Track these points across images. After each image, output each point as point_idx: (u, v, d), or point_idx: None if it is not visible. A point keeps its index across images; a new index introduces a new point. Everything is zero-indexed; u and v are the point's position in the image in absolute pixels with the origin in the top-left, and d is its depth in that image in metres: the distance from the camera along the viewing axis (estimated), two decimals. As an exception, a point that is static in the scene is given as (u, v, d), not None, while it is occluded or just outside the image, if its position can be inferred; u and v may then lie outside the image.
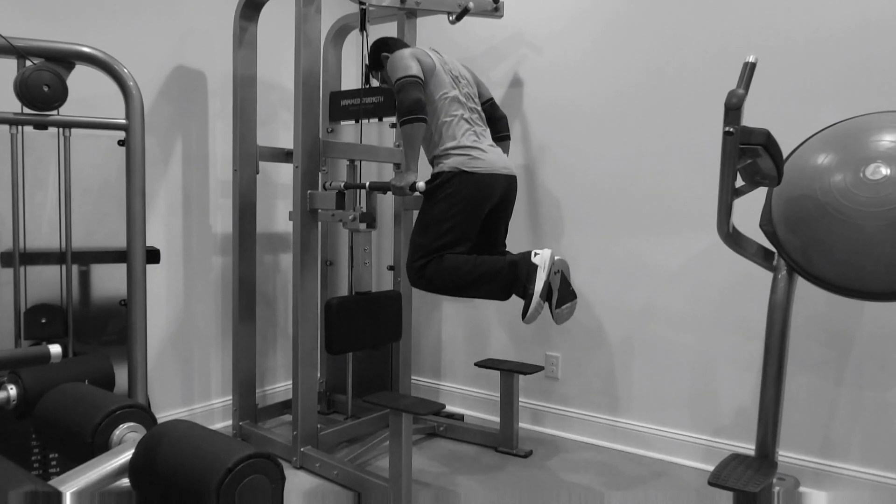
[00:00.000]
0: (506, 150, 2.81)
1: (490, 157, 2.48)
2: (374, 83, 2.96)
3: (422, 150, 2.56)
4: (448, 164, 2.45)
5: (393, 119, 3.16)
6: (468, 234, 2.45)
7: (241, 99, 2.94)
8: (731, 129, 1.74)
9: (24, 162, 2.25)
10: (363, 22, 2.82)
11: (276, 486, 1.00)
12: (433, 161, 2.54)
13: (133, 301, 2.35)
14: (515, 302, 3.24)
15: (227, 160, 3.16)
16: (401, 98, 2.39)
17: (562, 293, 2.34)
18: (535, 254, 2.32)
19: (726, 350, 2.71)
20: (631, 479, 2.67)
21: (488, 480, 2.63)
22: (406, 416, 2.31)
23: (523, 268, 2.32)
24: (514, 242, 3.20)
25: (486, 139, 2.58)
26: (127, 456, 1.09)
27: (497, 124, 2.79)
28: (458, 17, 2.96)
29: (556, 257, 2.33)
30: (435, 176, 2.48)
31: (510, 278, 2.34)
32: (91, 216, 2.63)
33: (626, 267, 2.95)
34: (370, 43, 2.79)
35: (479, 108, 2.65)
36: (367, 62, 2.75)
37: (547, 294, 2.31)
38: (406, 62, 2.45)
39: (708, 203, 2.73)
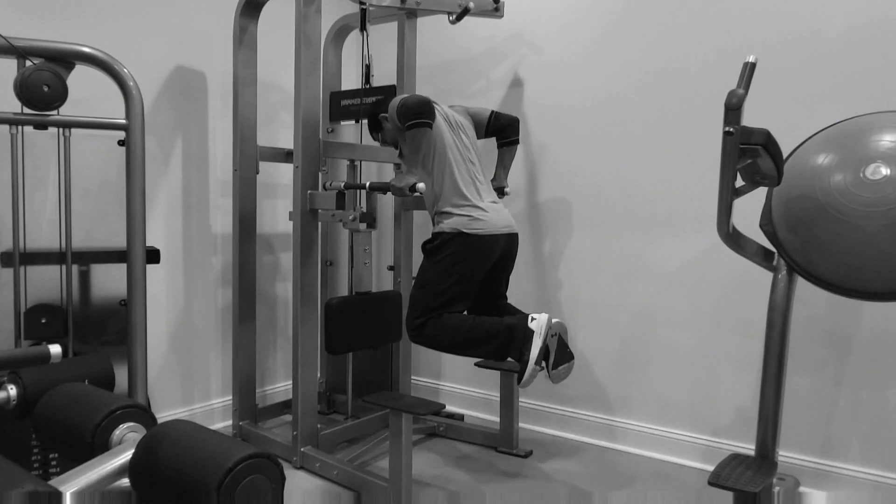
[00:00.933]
0: (513, 155, 2.80)
1: (491, 218, 2.44)
2: (374, 83, 2.96)
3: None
4: (448, 224, 2.42)
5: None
6: (468, 292, 2.45)
7: (241, 99, 2.94)
8: (731, 129, 1.74)
9: (24, 162, 2.25)
10: (363, 22, 2.82)
11: (276, 486, 1.00)
12: (434, 218, 2.52)
13: (133, 301, 2.35)
14: (515, 302, 3.24)
15: (227, 160, 3.16)
16: (405, 101, 2.33)
17: (559, 355, 2.31)
18: (532, 318, 2.29)
19: (726, 350, 2.71)
20: (631, 479, 2.67)
21: (488, 480, 2.63)
22: (406, 416, 2.31)
23: (519, 333, 2.29)
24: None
25: (489, 195, 2.55)
26: (127, 456, 1.09)
27: (508, 129, 2.77)
28: (459, 17, 2.96)
29: (553, 320, 2.30)
30: (435, 236, 2.47)
31: (507, 343, 2.31)
32: (91, 216, 2.63)
33: (626, 267, 2.95)
34: (369, 46, 2.78)
35: (479, 158, 2.60)
36: (368, 126, 2.72)
37: (544, 356, 2.28)
38: (412, 95, 2.43)
39: (708, 203, 2.73)
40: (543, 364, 2.29)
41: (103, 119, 2.28)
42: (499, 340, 2.32)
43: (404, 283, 3.14)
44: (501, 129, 2.76)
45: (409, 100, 2.35)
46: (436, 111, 2.46)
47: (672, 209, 2.82)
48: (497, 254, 2.47)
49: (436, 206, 2.50)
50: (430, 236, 2.50)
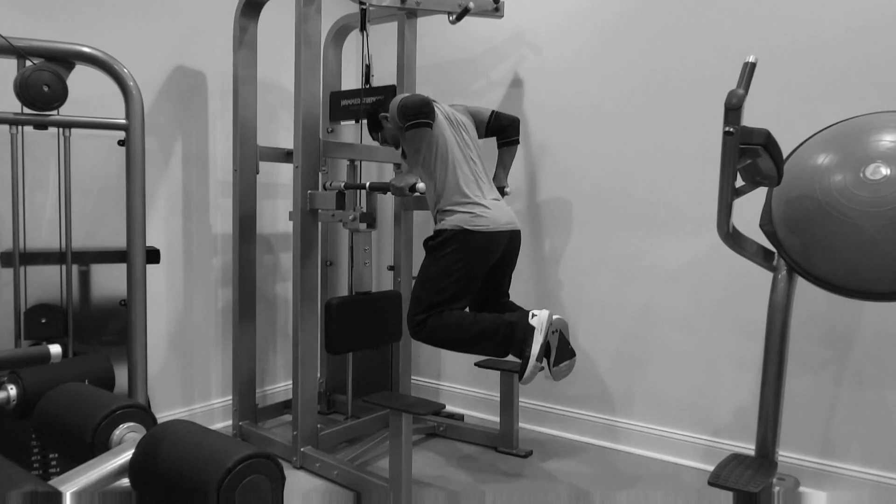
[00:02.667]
0: (513, 154, 2.80)
1: (494, 215, 2.44)
2: (374, 83, 2.96)
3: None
4: (450, 221, 2.42)
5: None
6: (469, 289, 2.44)
7: (241, 99, 2.94)
8: (731, 129, 1.74)
9: (24, 162, 2.25)
10: (363, 22, 2.82)
11: (276, 486, 1.00)
12: (436, 216, 2.51)
13: (133, 301, 2.35)
14: (515, 302, 3.24)
15: (227, 160, 3.16)
16: (405, 101, 2.33)
17: (560, 352, 2.31)
18: (533, 315, 2.29)
19: (726, 350, 2.71)
20: (631, 479, 2.67)
21: (488, 480, 2.63)
22: (406, 416, 2.31)
23: (520, 329, 2.28)
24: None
25: (491, 192, 2.55)
26: (127, 456, 1.09)
27: (508, 129, 2.76)
28: (459, 17, 2.96)
29: (554, 317, 2.29)
30: (437, 233, 2.46)
31: (508, 339, 2.31)
32: (91, 216, 2.63)
33: (626, 267, 2.95)
34: (369, 46, 2.78)
35: (480, 157, 2.60)
36: (368, 125, 2.72)
37: (545, 352, 2.28)
38: (413, 94, 2.43)
39: (708, 203, 2.73)
40: (545, 361, 2.29)
41: (103, 119, 2.28)
42: (499, 337, 2.32)
43: (404, 283, 3.14)
44: (502, 129, 2.76)
45: (409, 100, 2.34)
46: (436, 110, 2.46)
47: (672, 209, 2.82)
48: (499, 251, 2.47)
49: (438, 205, 2.49)
50: (433, 233, 2.50)
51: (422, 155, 2.39)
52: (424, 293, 2.42)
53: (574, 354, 2.37)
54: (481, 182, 2.52)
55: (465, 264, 2.40)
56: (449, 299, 2.39)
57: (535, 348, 2.25)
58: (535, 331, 2.26)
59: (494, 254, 2.46)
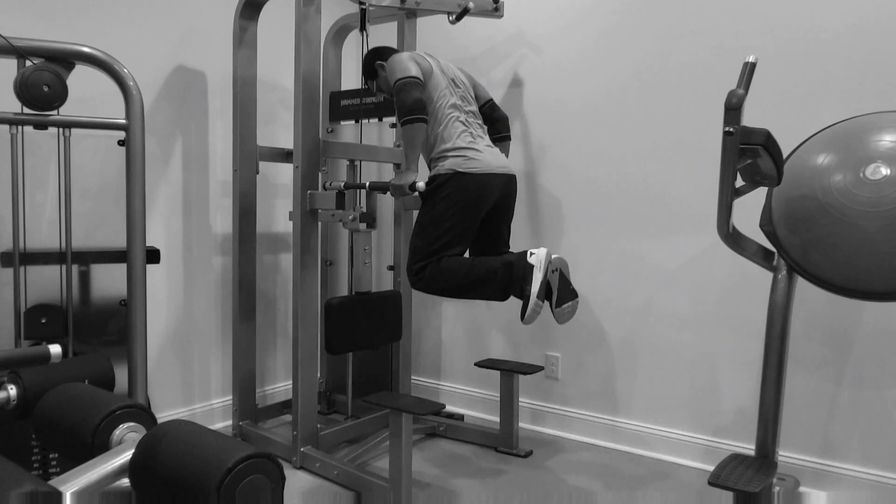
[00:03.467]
0: (506, 151, 2.80)
1: (486, 157, 2.46)
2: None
3: (421, 156, 2.55)
4: (444, 166, 2.45)
5: (393, 119, 3.16)
6: (466, 235, 2.45)
7: (241, 99, 2.94)
8: (731, 129, 1.74)
9: (24, 162, 2.25)
10: (363, 22, 2.82)
11: (276, 486, 1.00)
12: (430, 164, 2.54)
13: (133, 301, 2.35)
14: (515, 302, 3.24)
15: (227, 160, 3.16)
16: (401, 98, 2.38)
17: (561, 292, 2.32)
18: (531, 253, 2.30)
19: (726, 350, 2.71)
20: (631, 479, 2.67)
21: (488, 480, 2.63)
22: (406, 416, 2.31)
23: (519, 268, 2.29)
24: (515, 243, 3.20)
25: (484, 140, 2.57)
26: (127, 456, 1.09)
27: (497, 125, 2.78)
28: (458, 17, 2.96)
29: (553, 255, 2.30)
30: (432, 178, 2.48)
31: (507, 279, 2.32)
32: (91, 216, 2.63)
33: (626, 267, 2.95)
34: (368, 46, 2.79)
35: (476, 111, 2.65)
36: (362, 71, 2.74)
37: (546, 293, 2.28)
38: (405, 64, 2.45)
39: (708, 203, 2.73)
40: (547, 303, 2.28)
41: (103, 119, 2.28)
42: (498, 278, 2.32)
43: (404, 283, 3.14)
44: (493, 121, 2.77)
45: (404, 98, 2.37)
46: (430, 63, 2.52)
47: (672, 209, 2.82)
48: (494, 194, 2.47)
49: (431, 154, 2.52)
50: (427, 180, 2.51)
51: (418, 152, 2.43)
52: (421, 241, 2.43)
53: (576, 295, 2.36)
54: (474, 131, 2.54)
55: (461, 208, 2.41)
56: (446, 245, 2.39)
57: (536, 286, 2.24)
58: (534, 268, 2.25)
59: (489, 197, 2.46)
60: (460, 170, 2.42)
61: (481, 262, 2.37)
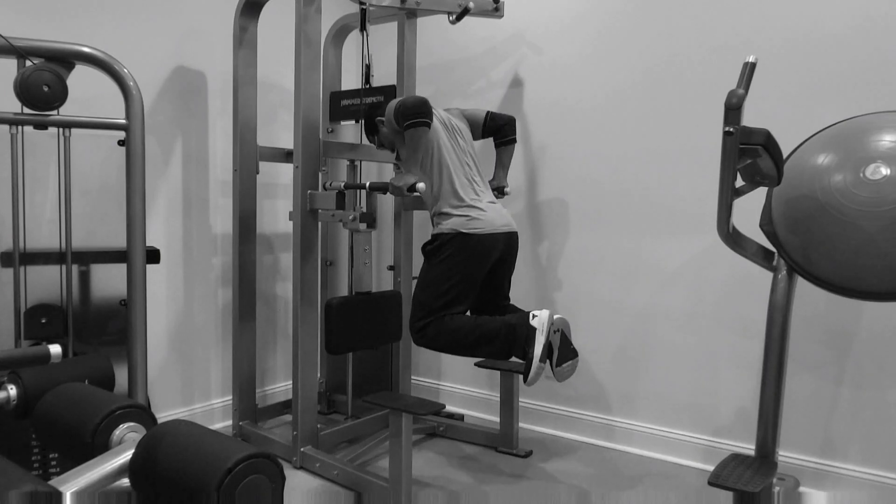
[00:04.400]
0: (510, 154, 2.80)
1: (489, 217, 2.45)
2: (374, 83, 2.96)
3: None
4: (447, 225, 2.44)
5: None
6: (468, 293, 2.45)
7: (241, 99, 2.94)
8: (731, 129, 1.74)
9: (24, 162, 2.25)
10: (363, 22, 2.82)
11: (276, 486, 1.00)
12: (432, 219, 2.53)
13: (133, 301, 2.35)
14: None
15: (227, 160, 3.16)
16: (403, 101, 2.34)
17: (562, 352, 2.31)
18: (534, 315, 2.29)
19: (726, 350, 2.71)
20: (631, 479, 2.67)
21: (488, 480, 2.63)
22: (406, 416, 2.31)
23: (521, 331, 2.29)
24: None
25: (486, 195, 2.56)
26: (127, 456, 1.09)
27: (505, 128, 2.77)
28: (459, 17, 2.96)
29: (555, 316, 2.30)
30: (434, 237, 2.48)
31: (509, 341, 2.32)
32: (91, 216, 2.63)
33: (626, 267, 2.95)
34: (369, 46, 2.79)
35: (476, 158, 2.62)
36: (364, 129, 2.73)
37: (548, 353, 2.28)
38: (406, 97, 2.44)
39: (708, 203, 2.73)
40: (547, 362, 2.29)
41: (103, 119, 2.28)
42: (501, 340, 2.33)
43: (404, 283, 3.14)
44: (498, 129, 2.77)
45: (407, 100, 2.35)
46: (433, 114, 2.47)
47: (672, 209, 2.82)
48: (497, 253, 2.48)
49: (434, 208, 2.51)
50: (430, 238, 2.51)
51: (419, 156, 2.39)
52: (424, 298, 2.43)
53: (576, 354, 2.37)
54: (477, 186, 2.53)
55: (463, 268, 2.41)
56: (449, 304, 2.40)
57: (538, 349, 2.25)
58: (537, 331, 2.26)
59: (492, 256, 2.46)
60: (464, 230, 2.41)
61: (484, 323, 2.37)
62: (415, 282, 2.55)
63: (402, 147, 2.46)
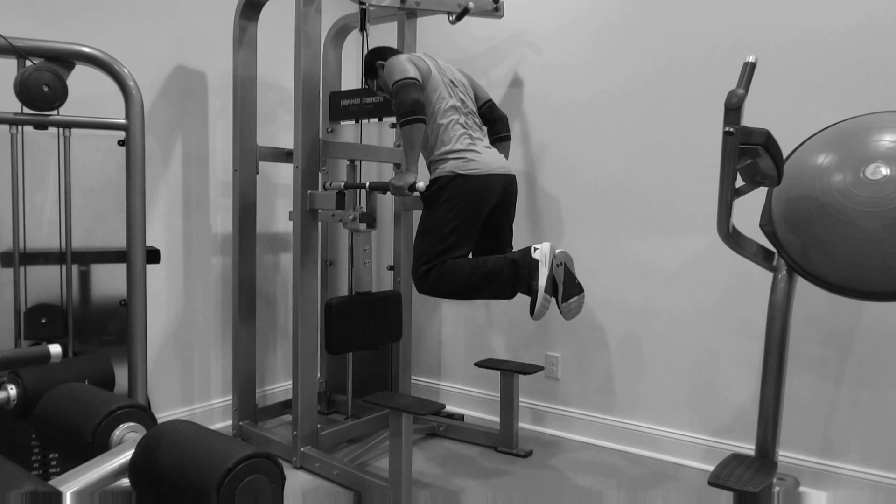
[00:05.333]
0: (506, 151, 2.80)
1: (485, 158, 2.47)
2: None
3: (421, 155, 2.56)
4: (444, 168, 2.45)
5: (393, 119, 3.16)
6: (469, 236, 2.46)
7: (241, 99, 2.94)
8: (731, 129, 1.74)
9: (24, 162, 2.25)
10: (363, 22, 2.82)
11: (276, 486, 1.00)
12: (430, 166, 2.55)
13: (133, 301, 2.35)
14: (515, 302, 3.24)
15: (227, 160, 3.16)
16: (399, 99, 2.39)
17: (567, 287, 2.32)
18: (535, 248, 2.31)
19: (726, 350, 2.71)
20: (631, 479, 2.67)
21: (488, 480, 2.63)
22: (406, 416, 2.31)
23: (524, 265, 2.30)
24: (516, 242, 3.19)
25: (482, 141, 2.58)
26: (127, 456, 1.09)
27: (497, 125, 2.78)
28: (458, 17, 2.96)
29: (557, 250, 2.31)
30: (432, 182, 2.49)
31: (513, 276, 2.33)
32: (91, 216, 2.63)
33: (627, 267, 2.95)
34: (369, 46, 2.80)
35: (475, 112, 2.65)
36: (363, 70, 2.75)
37: (552, 288, 2.29)
38: (403, 66, 2.46)
39: (708, 203, 2.73)
40: (553, 299, 2.29)
41: (103, 119, 2.28)
42: (504, 276, 2.34)
43: (404, 283, 3.14)
44: (492, 121, 2.78)
45: (403, 98, 2.38)
46: (428, 65, 2.52)
47: (672, 209, 2.82)
48: (495, 195, 2.48)
49: (431, 156, 2.53)
50: (428, 183, 2.51)
51: (417, 151, 2.43)
52: (425, 244, 2.44)
53: (582, 290, 2.37)
54: (473, 133, 2.55)
55: (463, 210, 2.42)
56: (450, 247, 2.41)
57: (542, 281, 2.25)
58: (540, 263, 2.27)
59: (490, 197, 2.47)
60: (461, 172, 2.42)
61: (486, 262, 2.38)
62: (416, 233, 2.55)
63: (401, 138, 2.50)
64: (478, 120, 2.65)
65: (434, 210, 2.46)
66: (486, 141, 2.62)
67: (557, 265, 2.30)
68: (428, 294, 2.46)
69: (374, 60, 2.67)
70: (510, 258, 2.36)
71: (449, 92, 2.55)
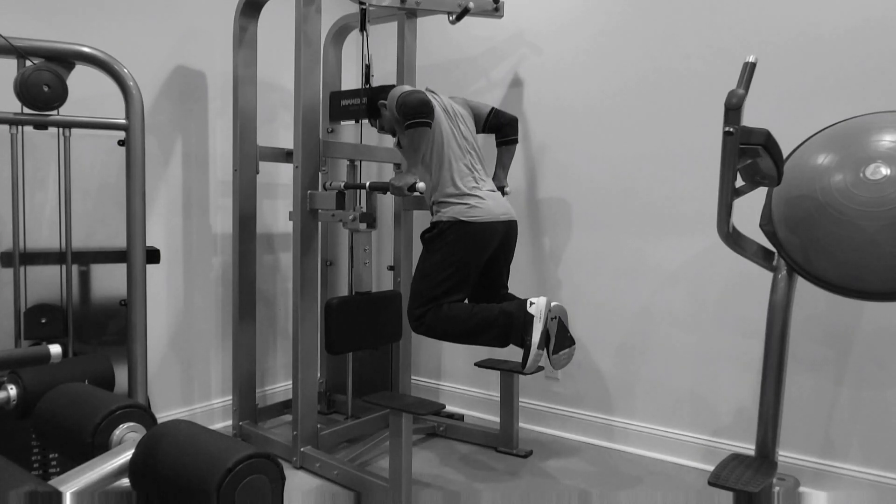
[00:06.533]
0: (511, 155, 2.80)
1: (488, 205, 2.46)
2: (374, 83, 2.96)
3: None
4: (446, 213, 2.44)
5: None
6: (467, 282, 2.45)
7: (241, 99, 2.94)
8: (731, 129, 1.74)
9: (24, 162, 2.25)
10: (363, 22, 2.82)
11: (276, 486, 1.00)
12: (432, 207, 2.53)
13: (133, 301, 2.35)
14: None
15: (227, 160, 3.16)
16: (404, 100, 2.33)
17: (559, 340, 2.31)
18: (531, 303, 2.29)
19: (726, 350, 2.71)
20: (631, 479, 2.67)
21: (488, 480, 2.63)
22: (406, 416, 2.31)
23: (519, 318, 2.29)
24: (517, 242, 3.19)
25: (486, 184, 2.56)
26: (127, 456, 1.09)
27: (505, 129, 2.77)
28: (458, 17, 2.96)
29: (552, 304, 2.29)
30: (433, 225, 2.48)
31: (507, 328, 2.32)
32: (91, 216, 2.63)
33: (626, 267, 2.95)
34: (369, 46, 2.79)
35: (477, 147, 2.62)
36: (367, 114, 2.72)
37: (545, 341, 2.28)
38: (408, 87, 2.44)
39: (708, 203, 2.73)
40: (545, 349, 2.29)
41: (103, 119, 2.28)
42: (499, 327, 2.33)
43: (404, 283, 3.14)
44: (500, 127, 2.77)
45: (409, 98, 2.33)
46: (434, 103, 2.47)
47: (672, 209, 2.82)
48: (496, 241, 2.48)
49: (434, 196, 2.51)
50: (429, 226, 2.50)
51: (421, 153, 2.40)
52: (423, 286, 2.44)
53: (573, 342, 2.37)
54: (477, 174, 2.53)
55: (462, 256, 2.41)
56: (447, 292, 2.40)
57: (536, 336, 2.25)
58: (535, 319, 2.26)
59: (490, 244, 2.46)
60: (463, 219, 2.41)
61: (481, 311, 2.37)
62: (413, 274, 2.55)
63: (403, 133, 2.46)
64: (481, 157, 2.61)
65: (433, 253, 2.44)
66: (491, 183, 2.60)
67: (552, 319, 2.29)
68: (423, 335, 2.45)
69: (376, 100, 2.63)
70: (506, 310, 2.33)
71: (453, 130, 2.52)
